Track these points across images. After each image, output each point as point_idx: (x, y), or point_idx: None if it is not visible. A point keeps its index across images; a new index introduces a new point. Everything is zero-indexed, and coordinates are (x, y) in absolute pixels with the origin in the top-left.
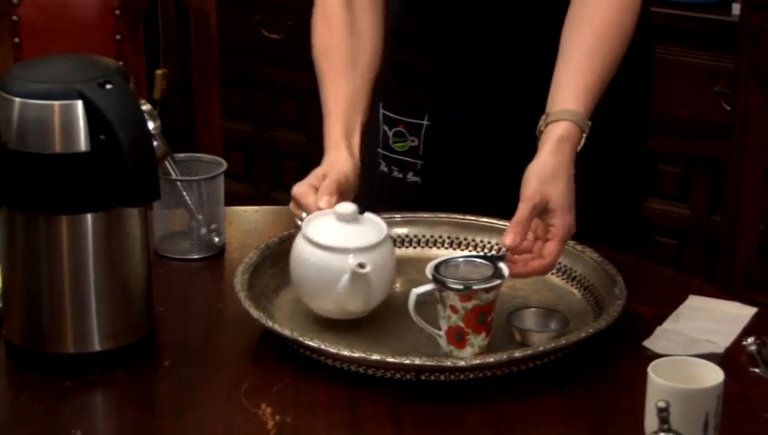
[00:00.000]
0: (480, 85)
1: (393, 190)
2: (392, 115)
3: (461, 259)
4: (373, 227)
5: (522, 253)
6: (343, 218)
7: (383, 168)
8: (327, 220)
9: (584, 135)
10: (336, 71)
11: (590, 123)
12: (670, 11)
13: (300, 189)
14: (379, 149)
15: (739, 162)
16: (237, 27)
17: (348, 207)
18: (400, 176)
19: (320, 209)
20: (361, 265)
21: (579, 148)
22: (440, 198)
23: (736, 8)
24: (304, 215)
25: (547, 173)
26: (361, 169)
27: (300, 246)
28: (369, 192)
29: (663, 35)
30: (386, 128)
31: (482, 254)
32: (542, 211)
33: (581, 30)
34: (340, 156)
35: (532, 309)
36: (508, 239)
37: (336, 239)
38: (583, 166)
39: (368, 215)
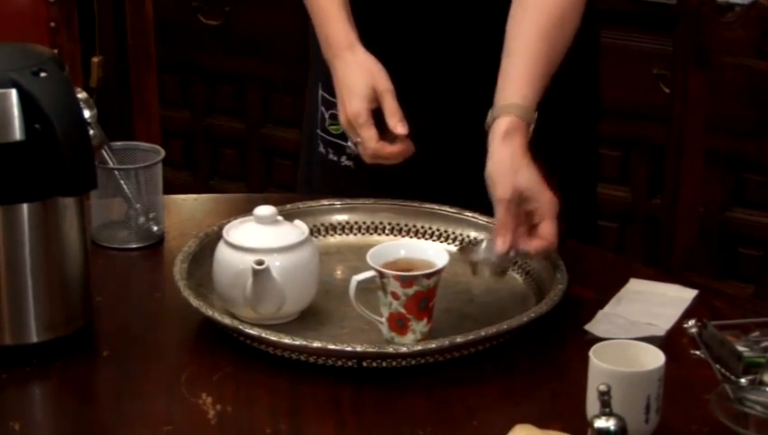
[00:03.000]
0: (419, 76)
1: (329, 173)
2: (330, 98)
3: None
4: (293, 229)
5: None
6: (262, 221)
7: (321, 149)
8: (249, 223)
9: (531, 127)
10: None
11: (536, 115)
12: None
13: (357, 115)
14: (318, 131)
15: (678, 145)
16: (174, 13)
17: (266, 210)
18: (335, 159)
19: (397, 134)
20: (259, 263)
21: (529, 136)
22: (374, 183)
23: None
24: (358, 140)
25: (506, 167)
26: (303, 150)
27: (218, 248)
28: (309, 173)
29: (603, 19)
30: (323, 109)
31: None
32: (519, 203)
33: (527, 19)
34: (362, 55)
35: (485, 242)
36: (499, 246)
37: (248, 240)
38: (537, 152)
39: (296, 221)
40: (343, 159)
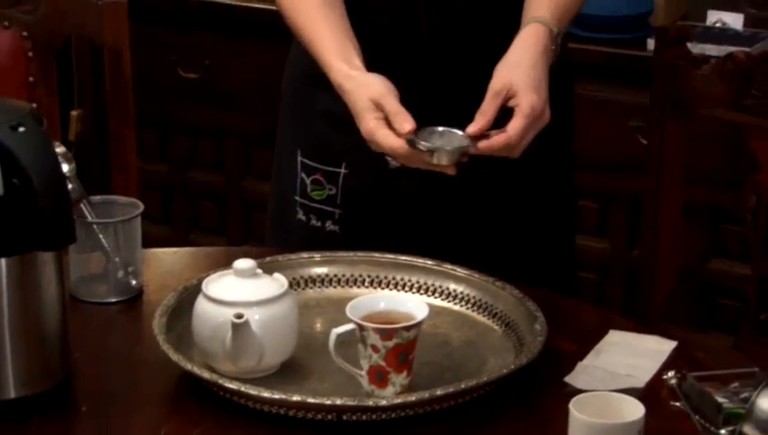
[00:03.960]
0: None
1: (311, 239)
2: (311, 163)
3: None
4: (272, 282)
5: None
6: (242, 274)
7: (300, 216)
8: (228, 276)
9: (554, 33)
10: (314, 10)
11: (558, 27)
12: (585, 46)
13: (368, 129)
14: (297, 197)
15: (656, 197)
16: (153, 67)
17: (246, 263)
18: (318, 224)
19: (405, 134)
20: (239, 316)
21: (552, 47)
22: (359, 247)
23: (651, 44)
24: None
25: (509, 63)
26: (274, 214)
27: (197, 302)
28: (282, 238)
29: (578, 71)
30: (304, 176)
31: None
32: (507, 98)
33: None
34: (356, 79)
35: (439, 129)
36: (471, 127)
37: (227, 294)
38: (514, 205)
39: (276, 274)
40: (328, 224)
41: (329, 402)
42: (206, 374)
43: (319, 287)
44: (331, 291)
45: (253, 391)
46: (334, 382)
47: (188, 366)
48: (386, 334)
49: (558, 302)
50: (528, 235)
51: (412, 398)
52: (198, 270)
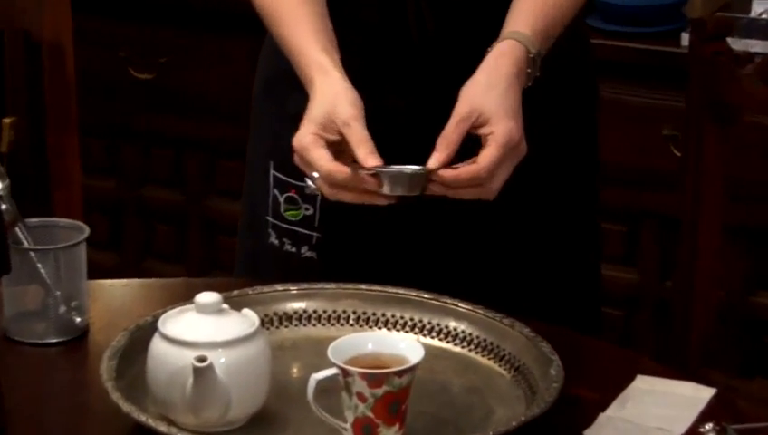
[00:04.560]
0: (389, 143)
1: (285, 267)
2: (285, 178)
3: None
4: (241, 319)
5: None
6: (204, 310)
7: (273, 239)
8: (188, 313)
9: (531, 55)
10: (291, 4)
11: (537, 47)
12: (610, 42)
13: (301, 141)
14: (269, 217)
15: (692, 218)
16: (99, 66)
17: (209, 297)
18: (293, 250)
19: (363, 168)
20: (201, 359)
21: (528, 69)
22: (342, 278)
23: (686, 38)
24: (315, 174)
25: (479, 87)
26: (243, 237)
27: (152, 343)
28: (252, 266)
29: (602, 70)
30: (276, 192)
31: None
32: (477, 126)
33: None
34: (332, 79)
35: (393, 167)
36: (431, 159)
37: (188, 333)
38: (526, 227)
39: (245, 311)
40: (304, 249)
41: None
42: (162, 428)
43: (296, 325)
44: (311, 330)
45: None
46: None
47: (142, 418)
48: (374, 381)
49: (577, 342)
50: (542, 262)
51: None
52: (153, 305)
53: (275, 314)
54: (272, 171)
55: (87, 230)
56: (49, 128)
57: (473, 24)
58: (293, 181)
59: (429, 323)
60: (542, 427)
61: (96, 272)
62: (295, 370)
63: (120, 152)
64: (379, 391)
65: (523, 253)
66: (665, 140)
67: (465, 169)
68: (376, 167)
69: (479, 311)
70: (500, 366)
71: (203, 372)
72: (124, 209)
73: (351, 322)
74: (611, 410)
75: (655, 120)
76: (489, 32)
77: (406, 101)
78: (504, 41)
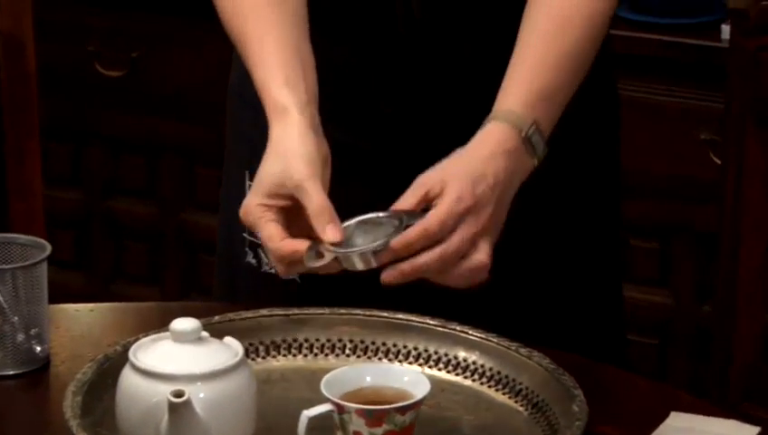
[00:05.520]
0: (385, 153)
1: (263, 290)
2: None
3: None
4: (223, 349)
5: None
6: (182, 338)
7: (250, 259)
8: (164, 341)
9: (523, 134)
10: (261, 20)
11: (530, 122)
12: (638, 34)
13: (248, 215)
14: (245, 234)
15: (734, 233)
16: (63, 61)
17: (187, 324)
18: (273, 270)
19: (315, 242)
20: (178, 394)
21: (523, 148)
22: (327, 303)
23: (726, 31)
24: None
25: (452, 158)
26: (222, 256)
27: (123, 375)
28: (231, 287)
29: (629, 67)
30: None
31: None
32: (433, 196)
33: (536, 16)
34: (289, 127)
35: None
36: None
37: (163, 364)
38: (542, 245)
39: (227, 339)
40: None
41: None
42: None
43: (284, 356)
44: (301, 361)
45: None
46: None
47: None
48: (373, 418)
49: (603, 374)
50: (559, 284)
51: None
52: (124, 332)
53: (261, 342)
54: (247, 182)
55: (49, 248)
56: (6, 131)
57: (461, 14)
58: None
59: (436, 353)
60: None
61: (59, 295)
62: (285, 406)
63: (87, 159)
64: (379, 431)
65: (538, 274)
66: (702, 146)
67: (410, 231)
68: (333, 249)
69: (492, 339)
70: (516, 402)
71: (180, 409)
72: (91, 224)
73: (348, 352)
74: None
75: (691, 122)
76: (478, 23)
77: (393, 109)
78: (490, 123)
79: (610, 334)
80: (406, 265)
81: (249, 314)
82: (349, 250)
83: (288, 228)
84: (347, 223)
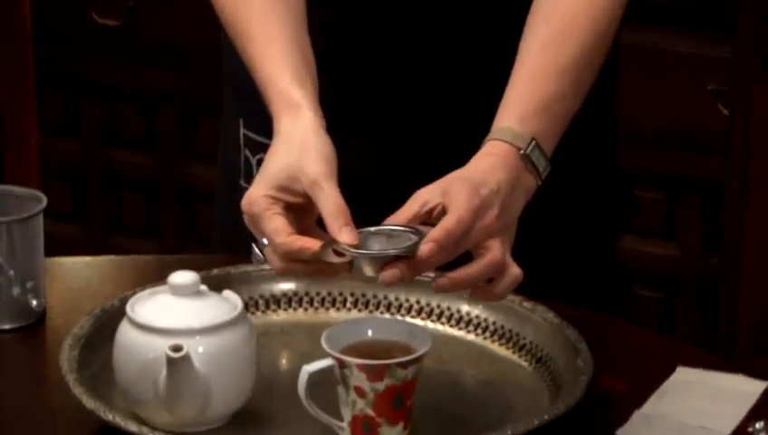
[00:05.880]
0: (389, 101)
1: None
2: (257, 138)
3: (374, 232)
4: (222, 303)
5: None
6: (180, 292)
7: None
8: (162, 295)
9: (522, 151)
10: (261, 18)
11: (528, 139)
12: None
13: (253, 205)
14: (241, 181)
15: (741, 184)
16: (59, 10)
17: (185, 277)
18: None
19: (338, 250)
20: (176, 349)
21: (525, 166)
22: None
23: None
24: (266, 241)
25: (441, 179)
26: (221, 208)
27: (120, 330)
28: (230, 236)
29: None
30: (248, 153)
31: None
32: (431, 210)
33: (536, 27)
34: (301, 121)
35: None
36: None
37: (161, 318)
38: (535, 198)
39: (226, 292)
40: None
41: None
42: (132, 427)
43: (285, 309)
44: (302, 314)
45: None
46: None
47: (108, 416)
48: (375, 373)
49: (608, 328)
50: (555, 235)
51: None
52: (121, 286)
53: (261, 296)
54: (242, 130)
55: (45, 200)
56: (1, 80)
57: None
58: (267, 141)
59: (439, 306)
60: (568, 426)
61: (55, 248)
62: (284, 360)
63: (84, 109)
64: (381, 385)
65: (532, 226)
66: (710, 96)
67: (434, 232)
68: (353, 250)
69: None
70: (520, 356)
71: (178, 364)
72: (88, 175)
73: (349, 305)
74: (648, 407)
75: (698, 72)
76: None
77: (380, 69)
78: (488, 142)
79: (607, 288)
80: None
81: (249, 267)
82: (372, 252)
83: (292, 227)
84: (361, 230)
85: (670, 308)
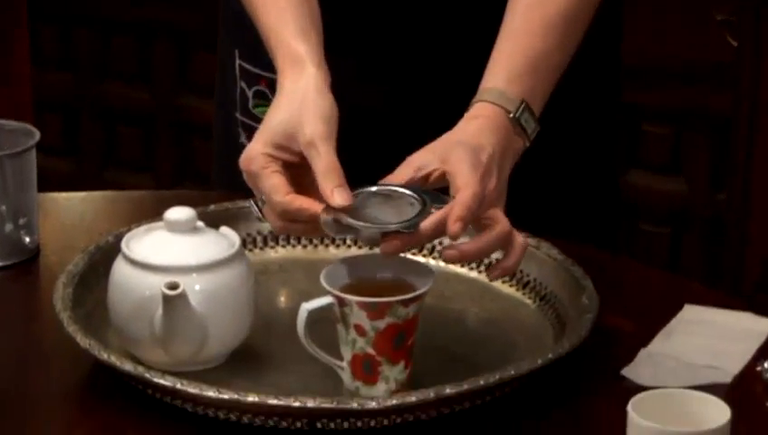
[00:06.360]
0: (385, 34)
1: None
2: (253, 69)
3: (375, 191)
4: (219, 239)
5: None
6: (176, 228)
7: (243, 139)
8: (157, 231)
9: (511, 115)
10: None
11: (522, 104)
12: None
13: (251, 163)
14: (237, 114)
15: (750, 117)
16: None
17: (182, 213)
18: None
19: (337, 210)
20: (172, 286)
21: (513, 128)
22: None
23: None
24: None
25: (433, 142)
26: (219, 141)
27: (115, 267)
28: (228, 171)
29: None
30: (244, 85)
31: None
32: (428, 176)
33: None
34: (304, 77)
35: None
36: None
37: (156, 255)
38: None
39: (223, 229)
40: None
41: (297, 405)
42: (127, 366)
43: (283, 246)
44: (301, 252)
45: (192, 389)
46: (304, 377)
47: (103, 355)
48: (376, 310)
49: (613, 265)
50: (556, 173)
51: (412, 398)
52: (116, 221)
53: (259, 232)
54: (237, 61)
55: (37, 134)
56: None
57: None
58: (263, 73)
59: (440, 243)
60: (573, 365)
61: (49, 183)
62: (283, 298)
63: (77, 41)
64: (382, 323)
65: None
66: (718, 27)
67: (455, 205)
68: (355, 221)
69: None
70: (523, 294)
71: (174, 302)
72: (81, 108)
73: (349, 242)
74: (654, 346)
75: (706, 2)
76: None
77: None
78: (476, 103)
79: (609, 225)
80: (469, 246)
81: (246, 202)
82: (376, 226)
83: (291, 186)
84: (360, 190)
85: (677, 244)
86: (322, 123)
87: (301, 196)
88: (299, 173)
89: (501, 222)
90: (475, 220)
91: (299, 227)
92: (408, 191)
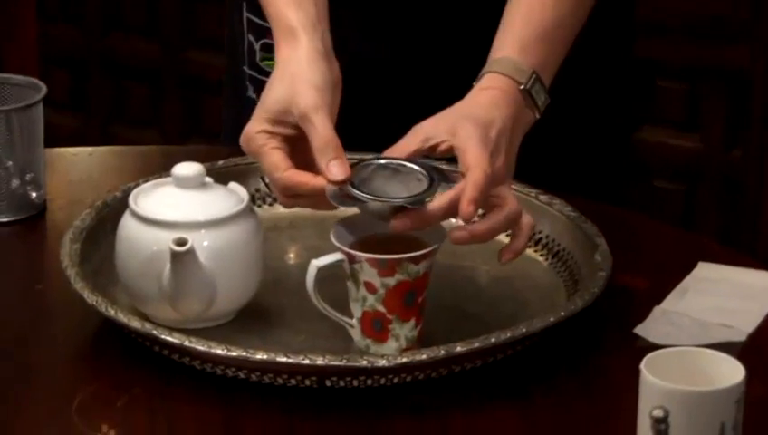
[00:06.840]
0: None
1: None
2: (258, 21)
3: (383, 164)
4: (227, 195)
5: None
6: (184, 184)
7: (251, 93)
8: (165, 187)
9: (522, 86)
10: None
11: (533, 75)
12: None
13: (250, 142)
14: (245, 68)
15: (766, 72)
16: None
17: (190, 169)
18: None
19: (335, 183)
20: (180, 242)
21: (522, 101)
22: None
23: None
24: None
25: (442, 112)
26: (228, 96)
27: (122, 223)
28: (236, 126)
29: None
30: (251, 38)
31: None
32: (434, 147)
33: None
34: (298, 50)
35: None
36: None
37: (164, 211)
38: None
39: (232, 184)
40: None
41: (306, 362)
42: (135, 323)
43: None
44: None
45: (201, 346)
46: (314, 335)
47: (111, 312)
48: (386, 268)
49: (627, 222)
50: (567, 129)
51: (422, 356)
52: (123, 177)
53: (269, 188)
54: (245, 14)
55: (44, 88)
56: None
57: None
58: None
59: None
60: (586, 323)
61: (55, 138)
62: (292, 255)
63: None
64: (392, 280)
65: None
66: None
67: (468, 184)
68: (364, 195)
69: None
70: (535, 251)
71: (182, 258)
72: (88, 63)
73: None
74: (667, 303)
75: None
76: None
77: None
78: (486, 73)
79: (621, 181)
80: (480, 226)
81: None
82: (382, 199)
83: (292, 158)
84: (368, 162)
85: (691, 202)
86: (316, 94)
87: (300, 171)
88: (303, 145)
89: (510, 201)
90: None
91: (304, 202)
92: (416, 167)
